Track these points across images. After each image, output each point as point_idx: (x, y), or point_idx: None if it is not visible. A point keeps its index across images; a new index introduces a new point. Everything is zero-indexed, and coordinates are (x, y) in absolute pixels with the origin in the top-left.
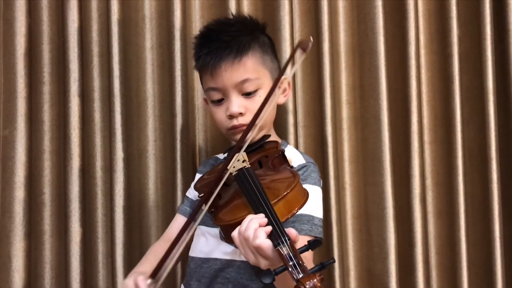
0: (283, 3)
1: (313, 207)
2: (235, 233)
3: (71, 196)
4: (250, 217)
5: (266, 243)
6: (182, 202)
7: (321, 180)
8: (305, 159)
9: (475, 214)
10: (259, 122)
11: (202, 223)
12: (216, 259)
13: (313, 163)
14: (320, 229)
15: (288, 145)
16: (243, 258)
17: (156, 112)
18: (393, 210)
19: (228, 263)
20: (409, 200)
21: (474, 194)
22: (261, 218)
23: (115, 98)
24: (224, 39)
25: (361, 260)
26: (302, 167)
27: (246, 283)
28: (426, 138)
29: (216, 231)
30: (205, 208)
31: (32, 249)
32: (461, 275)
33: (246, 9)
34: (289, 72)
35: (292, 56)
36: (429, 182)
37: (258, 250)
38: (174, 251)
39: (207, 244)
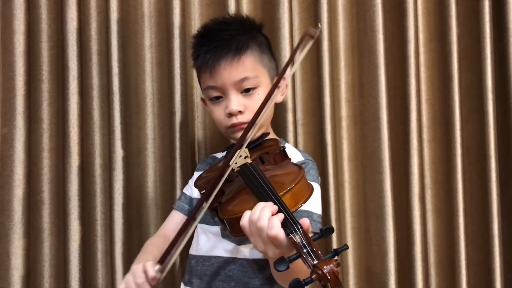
0: (283, 1)
1: (312, 203)
2: (245, 221)
3: (70, 194)
4: (261, 205)
5: (282, 233)
6: (179, 198)
7: (320, 177)
8: (303, 156)
9: (474, 212)
10: (260, 120)
11: (203, 221)
12: (218, 256)
13: (312, 160)
14: (319, 226)
15: (286, 143)
16: (245, 256)
17: (155, 110)
18: (392, 208)
19: (230, 261)
20: (408, 198)
21: (473, 192)
22: (271, 205)
23: (114, 96)
24: (223, 38)
25: (360, 258)
26: (301, 164)
27: (248, 280)
28: (425, 136)
29: (217, 229)
30: (206, 205)
31: (31, 247)
32: (459, 273)
33: (245, 7)
34: (298, 58)
35: (300, 44)
36: (428, 180)
37: (272, 240)
38: (180, 240)
39: (208, 242)
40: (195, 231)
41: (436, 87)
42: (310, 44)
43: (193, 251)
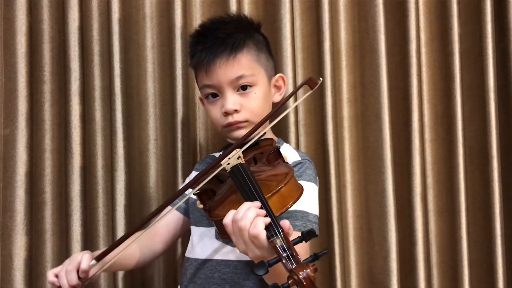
0: (284, 1)
1: (308, 203)
2: (228, 220)
3: (72, 195)
4: (247, 205)
5: (263, 234)
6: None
7: (317, 177)
8: (300, 156)
9: (476, 212)
10: (262, 130)
11: (198, 223)
12: (212, 259)
13: (309, 160)
14: (315, 226)
15: (284, 143)
16: (239, 258)
17: (156, 111)
18: (394, 208)
19: (224, 263)
20: (410, 198)
21: (475, 192)
22: (257, 206)
23: (116, 96)
24: (219, 36)
25: (362, 258)
26: (297, 164)
27: (242, 283)
28: (427, 136)
29: (212, 231)
30: (190, 192)
31: (33, 247)
32: (462, 273)
33: (247, 8)
34: (291, 104)
35: (297, 89)
36: (430, 180)
37: (253, 239)
38: (129, 238)
39: (202, 245)
40: (191, 233)
41: (438, 87)
42: (308, 93)
43: (188, 254)
